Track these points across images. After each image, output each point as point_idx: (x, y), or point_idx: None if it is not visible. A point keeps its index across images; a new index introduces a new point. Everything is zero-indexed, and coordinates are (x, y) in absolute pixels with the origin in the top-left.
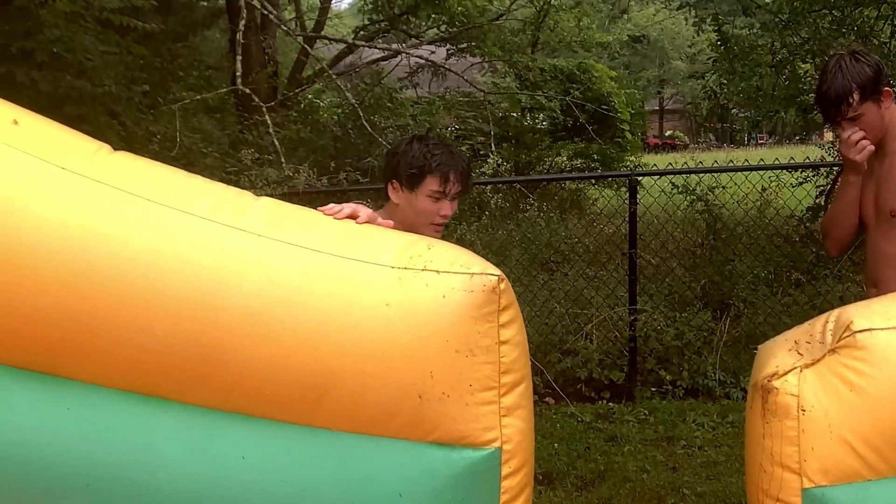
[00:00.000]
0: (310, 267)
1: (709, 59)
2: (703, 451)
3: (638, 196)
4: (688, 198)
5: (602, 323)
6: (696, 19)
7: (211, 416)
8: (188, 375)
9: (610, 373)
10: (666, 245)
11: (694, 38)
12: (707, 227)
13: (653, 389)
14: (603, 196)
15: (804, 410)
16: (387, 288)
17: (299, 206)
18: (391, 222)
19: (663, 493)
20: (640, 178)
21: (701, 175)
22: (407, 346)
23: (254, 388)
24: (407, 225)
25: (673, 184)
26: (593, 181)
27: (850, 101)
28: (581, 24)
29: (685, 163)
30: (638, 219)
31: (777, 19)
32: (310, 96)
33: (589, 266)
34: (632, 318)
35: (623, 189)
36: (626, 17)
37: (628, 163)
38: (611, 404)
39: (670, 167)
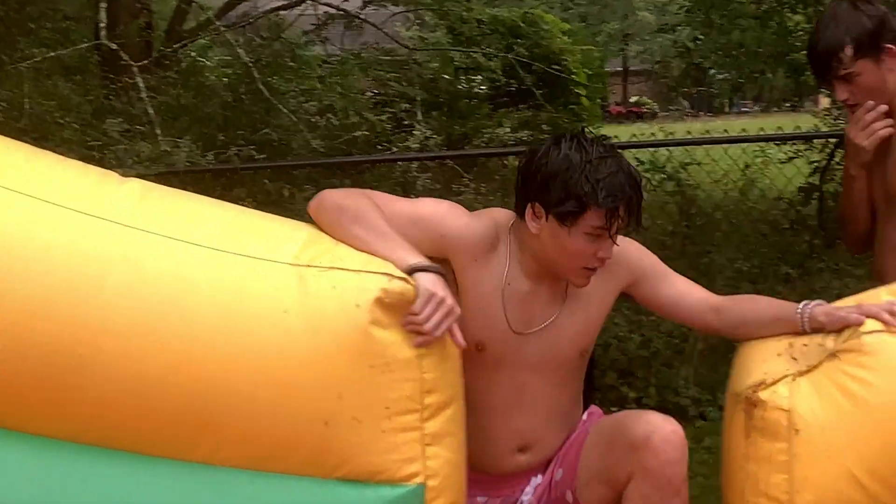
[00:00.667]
0: (188, 265)
1: (681, 8)
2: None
3: None
4: (656, 176)
5: None
6: None
7: (64, 450)
8: (32, 399)
9: None
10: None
11: None
12: (679, 212)
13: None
14: None
15: (797, 430)
16: (285, 290)
17: (177, 191)
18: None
19: None
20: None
21: (672, 149)
22: (310, 362)
23: (116, 414)
24: (545, 262)
25: (638, 160)
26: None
27: (842, 56)
28: None
29: (653, 134)
30: None
31: None
32: (193, 53)
33: None
34: None
35: None
36: None
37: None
38: None
39: (634, 140)
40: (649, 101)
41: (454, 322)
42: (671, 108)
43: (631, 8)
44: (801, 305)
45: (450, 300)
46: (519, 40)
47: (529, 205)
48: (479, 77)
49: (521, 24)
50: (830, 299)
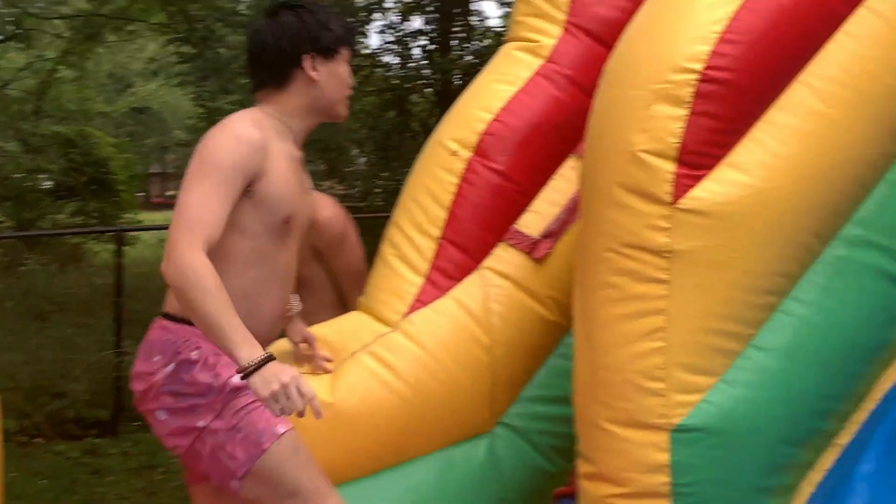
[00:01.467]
0: None
1: (202, 128)
2: (179, 475)
3: (133, 248)
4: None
5: (92, 365)
6: (192, 95)
7: None
8: None
9: (97, 412)
10: (152, 293)
11: (191, 110)
12: None
13: (136, 424)
14: (105, 249)
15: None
16: None
17: None
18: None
19: None
20: (128, 233)
21: None
22: None
23: None
24: (324, 106)
25: (160, 239)
26: (90, 236)
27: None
28: (82, 95)
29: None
30: (134, 269)
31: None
32: None
33: (81, 314)
34: (118, 360)
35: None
36: (130, 90)
37: (125, 219)
38: (97, 440)
39: (164, 222)
40: None
41: (304, 392)
42: None
43: (167, 127)
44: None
45: (285, 379)
46: (74, 150)
47: (305, 58)
48: (44, 176)
49: (77, 138)
50: None
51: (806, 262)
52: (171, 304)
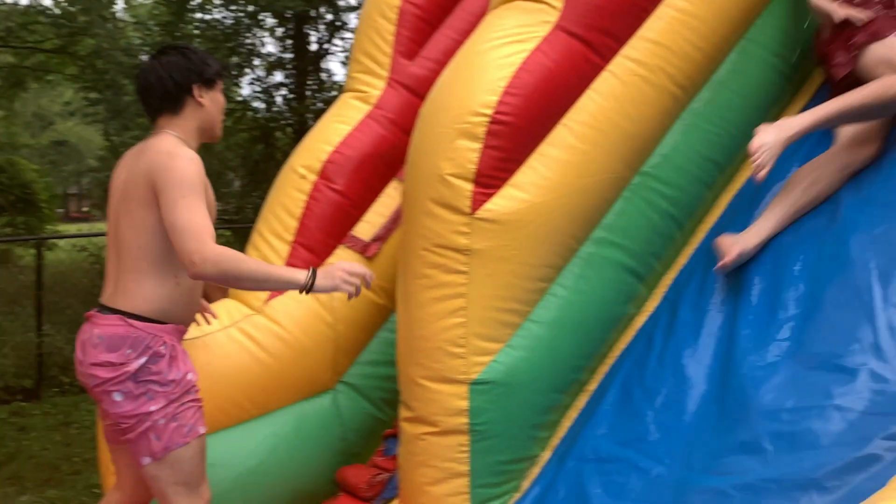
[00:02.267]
0: None
1: (109, 157)
2: (91, 429)
3: (53, 252)
4: (83, 253)
5: (18, 345)
6: (101, 131)
7: None
8: None
9: (22, 381)
10: (68, 288)
11: (100, 143)
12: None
13: (55, 390)
14: (29, 254)
15: None
16: None
17: None
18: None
19: (59, 463)
20: (48, 241)
21: (97, 237)
22: None
23: None
24: (208, 127)
25: (73, 244)
26: (17, 243)
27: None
28: (10, 131)
29: (88, 229)
30: (53, 268)
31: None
32: None
33: (9, 304)
34: (39, 340)
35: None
36: (52, 127)
37: (47, 230)
38: (23, 404)
39: (77, 232)
40: (94, 210)
41: (356, 270)
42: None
43: (83, 157)
44: None
45: (338, 270)
46: (3, 175)
47: (195, 88)
48: None
49: (6, 166)
50: None
51: (567, 257)
52: (133, 305)
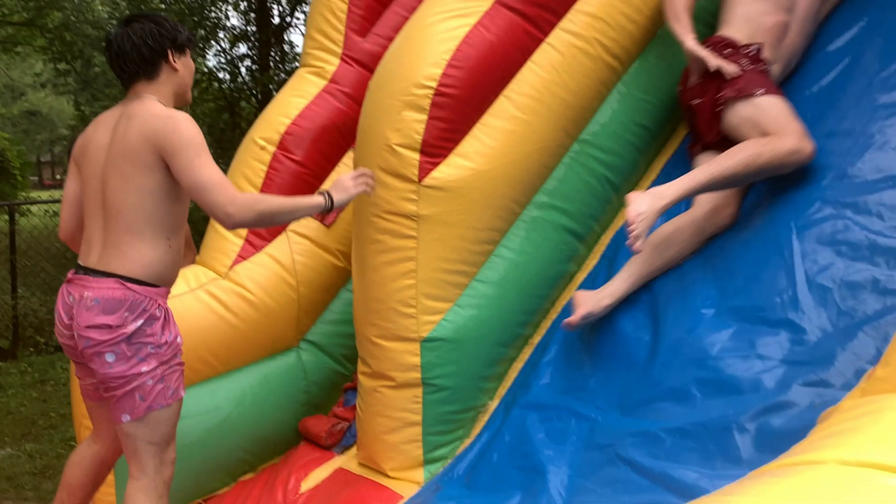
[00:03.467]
0: None
1: (79, 126)
2: (66, 386)
3: (27, 218)
4: (56, 219)
5: None
6: (72, 102)
7: None
8: None
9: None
10: (42, 252)
11: (71, 112)
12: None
13: (31, 349)
14: (2, 220)
15: None
16: None
17: None
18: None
19: (36, 418)
20: (20, 206)
21: None
22: None
23: None
24: (181, 92)
25: (45, 210)
26: None
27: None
28: None
29: (61, 196)
30: (26, 234)
31: None
32: None
33: None
34: (13, 302)
35: (14, 214)
36: (24, 98)
37: (20, 197)
38: (0, 363)
39: (50, 198)
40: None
41: (361, 172)
42: None
43: (55, 126)
44: None
45: (348, 181)
46: None
47: (169, 53)
48: None
49: None
50: None
51: (511, 220)
52: (130, 268)
